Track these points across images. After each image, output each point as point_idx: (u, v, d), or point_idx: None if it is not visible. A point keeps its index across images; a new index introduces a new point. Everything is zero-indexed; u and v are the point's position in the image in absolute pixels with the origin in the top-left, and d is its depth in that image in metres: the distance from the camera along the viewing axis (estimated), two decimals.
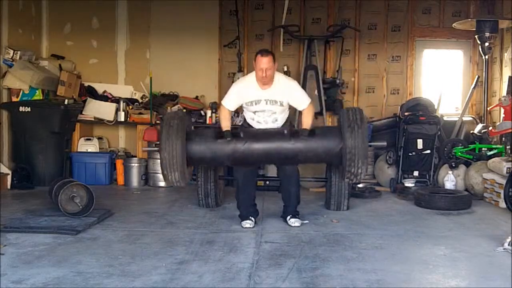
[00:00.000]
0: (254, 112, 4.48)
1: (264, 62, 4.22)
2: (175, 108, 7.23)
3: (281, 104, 4.42)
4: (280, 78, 4.44)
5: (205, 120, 7.19)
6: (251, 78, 4.42)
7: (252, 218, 4.49)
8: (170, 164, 4.05)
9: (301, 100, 4.47)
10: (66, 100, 6.71)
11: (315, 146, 4.25)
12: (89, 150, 6.94)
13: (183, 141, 4.07)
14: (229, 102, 4.51)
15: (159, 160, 6.47)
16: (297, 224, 4.45)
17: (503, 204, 5.20)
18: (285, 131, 4.28)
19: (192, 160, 4.27)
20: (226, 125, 4.42)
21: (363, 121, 4.09)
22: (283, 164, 4.58)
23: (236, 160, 4.31)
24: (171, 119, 4.14)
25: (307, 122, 4.40)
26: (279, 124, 4.53)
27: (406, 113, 6.42)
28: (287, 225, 4.47)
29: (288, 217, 4.53)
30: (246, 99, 4.43)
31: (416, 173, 6.29)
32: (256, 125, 4.53)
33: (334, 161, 4.45)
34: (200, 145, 4.26)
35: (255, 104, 4.42)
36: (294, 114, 5.74)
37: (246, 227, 4.38)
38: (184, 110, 7.24)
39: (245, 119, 4.65)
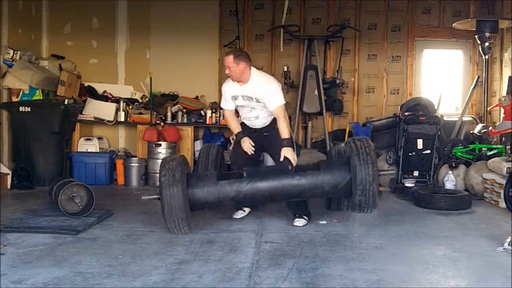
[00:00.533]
0: (237, 107, 4.65)
1: (226, 61, 4.37)
2: (175, 108, 7.24)
3: (257, 101, 4.45)
4: (256, 76, 4.46)
5: (205, 120, 7.20)
6: None
7: (245, 208, 4.58)
8: (176, 224, 3.98)
9: (271, 99, 4.38)
10: (66, 100, 6.71)
11: (321, 182, 4.18)
12: (89, 150, 6.95)
13: (186, 205, 3.96)
14: (225, 102, 4.67)
15: (159, 161, 6.62)
16: (298, 224, 4.45)
17: (503, 204, 5.20)
18: (289, 167, 4.24)
19: (195, 206, 4.16)
20: (235, 126, 4.63)
21: (371, 150, 4.07)
22: (289, 200, 4.55)
23: (240, 201, 4.27)
24: (169, 172, 3.95)
25: (283, 131, 4.34)
26: (261, 121, 4.59)
27: (406, 113, 6.42)
28: (287, 225, 4.47)
29: (296, 215, 4.55)
30: (231, 94, 4.56)
31: (416, 173, 6.29)
32: (247, 123, 4.66)
33: (342, 195, 4.38)
34: (202, 190, 4.14)
35: (235, 99, 4.57)
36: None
37: (237, 217, 4.48)
38: (184, 110, 7.26)
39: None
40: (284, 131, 4.33)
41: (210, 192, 4.15)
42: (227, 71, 4.41)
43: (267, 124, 4.60)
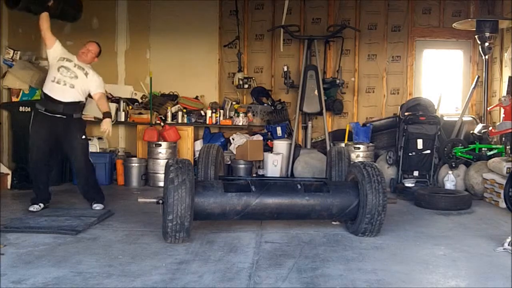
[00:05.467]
0: (60, 67, 4.86)
1: (92, 46, 5.04)
2: (175, 108, 7.23)
3: (85, 75, 4.91)
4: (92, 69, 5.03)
5: (205, 120, 7.20)
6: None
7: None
8: (176, 231, 3.73)
9: (95, 84, 4.99)
10: None
11: (329, 204, 4.13)
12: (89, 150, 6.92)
13: (192, 212, 3.71)
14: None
15: (159, 161, 6.63)
16: None
17: (503, 204, 5.20)
18: (299, 186, 4.21)
19: (197, 216, 3.92)
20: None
21: (382, 178, 4.05)
22: (294, 219, 4.48)
23: (246, 215, 4.09)
24: (175, 178, 3.67)
25: (103, 107, 5.03)
26: (72, 94, 4.87)
27: (406, 113, 6.42)
28: (287, 225, 4.47)
29: None
30: (65, 56, 4.93)
31: (416, 173, 6.29)
32: (57, 88, 4.83)
33: (348, 218, 4.31)
34: (208, 200, 3.95)
35: (67, 60, 4.90)
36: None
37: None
38: (184, 110, 7.26)
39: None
40: (104, 106, 5.01)
41: (217, 203, 3.97)
42: (84, 51, 4.94)
43: (74, 101, 4.89)
